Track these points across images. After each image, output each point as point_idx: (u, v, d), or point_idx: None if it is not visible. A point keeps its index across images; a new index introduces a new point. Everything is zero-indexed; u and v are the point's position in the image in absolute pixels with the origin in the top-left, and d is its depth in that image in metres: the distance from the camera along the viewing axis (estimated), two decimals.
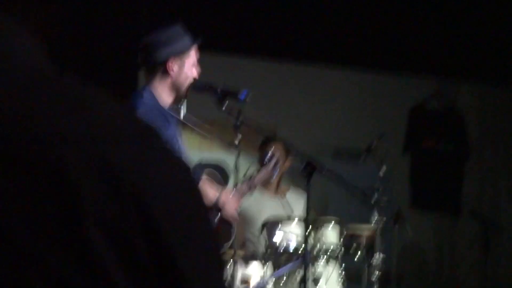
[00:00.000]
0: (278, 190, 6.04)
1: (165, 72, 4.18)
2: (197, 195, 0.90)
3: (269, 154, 5.00)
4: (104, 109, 0.87)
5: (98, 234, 0.80)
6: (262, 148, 5.66)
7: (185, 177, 0.90)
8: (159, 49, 4.17)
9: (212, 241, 0.90)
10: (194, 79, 4.25)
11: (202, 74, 4.32)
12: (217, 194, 4.23)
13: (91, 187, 0.81)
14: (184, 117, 4.49)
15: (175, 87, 4.20)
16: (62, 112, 0.84)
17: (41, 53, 0.92)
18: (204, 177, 4.44)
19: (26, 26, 0.92)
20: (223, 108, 4.28)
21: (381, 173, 5.77)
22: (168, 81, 4.19)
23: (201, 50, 4.33)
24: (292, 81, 7.40)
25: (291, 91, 7.42)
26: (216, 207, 4.21)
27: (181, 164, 0.90)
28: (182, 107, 5.63)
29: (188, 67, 4.21)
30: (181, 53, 4.18)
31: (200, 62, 4.31)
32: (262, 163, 5.05)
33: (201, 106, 5.51)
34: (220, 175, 4.45)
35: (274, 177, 5.07)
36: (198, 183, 3.67)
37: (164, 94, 4.19)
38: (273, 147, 5.24)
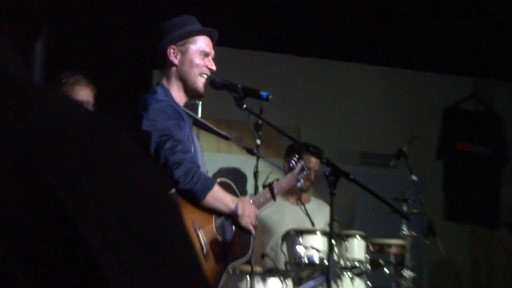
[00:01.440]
0: (299, 200, 5.94)
1: (169, 62, 4.16)
2: (146, 205, 0.86)
3: (294, 158, 4.88)
4: (48, 108, 0.86)
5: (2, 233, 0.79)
6: (288, 154, 5.54)
7: (139, 184, 0.86)
8: (162, 39, 4.17)
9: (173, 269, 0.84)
10: (211, 74, 4.19)
11: (219, 71, 4.24)
12: (235, 200, 4.08)
13: (2, 183, 0.80)
14: (201, 117, 4.38)
15: (182, 78, 4.15)
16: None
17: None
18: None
19: None
20: (243, 107, 4.18)
21: (412, 181, 5.72)
22: (174, 71, 4.16)
23: (219, 45, 4.31)
24: (316, 79, 7.35)
25: (314, 90, 7.32)
26: (234, 215, 4.05)
27: (141, 171, 0.87)
28: (199, 104, 5.56)
29: (192, 53, 4.15)
30: (180, 39, 4.15)
31: (217, 58, 4.24)
32: (288, 168, 4.92)
33: (219, 105, 5.40)
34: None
35: (299, 185, 4.94)
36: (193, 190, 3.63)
37: (174, 88, 4.15)
38: (298, 152, 5.18)
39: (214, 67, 4.19)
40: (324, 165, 4.19)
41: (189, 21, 4.23)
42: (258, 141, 4.43)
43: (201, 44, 4.18)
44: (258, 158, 4.39)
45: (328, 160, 4.22)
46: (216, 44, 4.27)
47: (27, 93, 0.87)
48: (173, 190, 3.66)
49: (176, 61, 4.13)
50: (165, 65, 4.17)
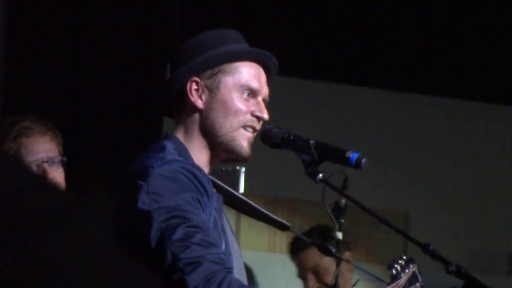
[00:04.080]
0: None
1: (189, 104, 3.96)
2: None
3: (400, 262, 4.75)
4: None
5: None
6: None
7: None
8: (179, 66, 3.99)
9: None
10: (264, 125, 4.01)
11: (277, 115, 4.13)
12: None
13: None
14: (243, 192, 4.55)
15: (209, 131, 3.96)
16: None
17: None
18: None
19: None
20: (318, 178, 3.93)
21: None
22: (196, 119, 3.95)
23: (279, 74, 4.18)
24: (430, 136, 7.57)
25: (429, 153, 7.62)
26: None
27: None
28: (241, 172, 5.60)
29: (227, 90, 3.96)
30: (209, 67, 3.97)
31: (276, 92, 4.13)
32: (389, 277, 4.89)
33: (274, 175, 5.01)
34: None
35: None
36: None
37: (195, 146, 3.94)
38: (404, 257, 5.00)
39: (266, 116, 3.98)
40: (451, 276, 4.07)
41: (226, 38, 4.08)
42: (340, 234, 4.28)
43: (245, 75, 3.98)
44: (338, 262, 4.35)
45: (459, 268, 4.04)
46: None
47: None
48: None
49: (200, 103, 3.95)
50: (182, 109, 4.01)
